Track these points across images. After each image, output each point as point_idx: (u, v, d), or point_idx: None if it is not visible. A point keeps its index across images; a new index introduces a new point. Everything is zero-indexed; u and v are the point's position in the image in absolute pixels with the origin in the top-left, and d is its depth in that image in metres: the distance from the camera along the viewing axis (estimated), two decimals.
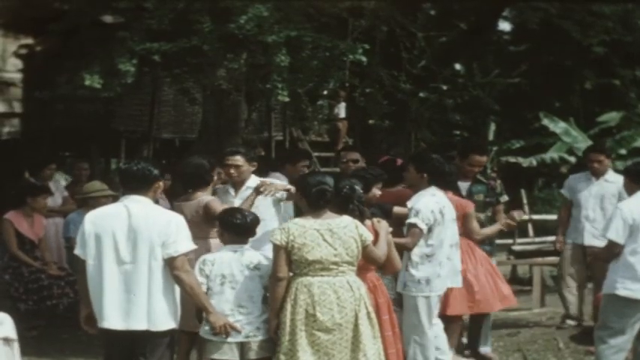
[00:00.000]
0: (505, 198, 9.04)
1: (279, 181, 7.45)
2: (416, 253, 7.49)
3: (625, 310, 7.23)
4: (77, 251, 5.96)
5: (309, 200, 6.14)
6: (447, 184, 7.96)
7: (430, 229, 7.47)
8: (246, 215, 6.50)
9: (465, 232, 8.16)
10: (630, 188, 7.50)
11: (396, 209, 8.02)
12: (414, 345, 7.45)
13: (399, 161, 8.95)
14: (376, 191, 7.63)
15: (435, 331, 7.61)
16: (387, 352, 6.37)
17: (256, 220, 6.57)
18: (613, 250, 7.30)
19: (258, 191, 7.32)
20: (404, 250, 7.43)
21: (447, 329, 7.94)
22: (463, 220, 8.10)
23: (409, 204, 7.59)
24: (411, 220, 7.44)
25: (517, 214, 8.64)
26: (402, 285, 7.53)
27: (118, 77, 9.65)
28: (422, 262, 7.50)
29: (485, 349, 8.74)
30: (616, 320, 7.26)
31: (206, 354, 6.28)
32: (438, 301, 7.65)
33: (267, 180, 7.35)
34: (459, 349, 8.48)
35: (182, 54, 10.04)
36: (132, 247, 5.82)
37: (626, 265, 7.21)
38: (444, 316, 7.92)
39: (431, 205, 7.52)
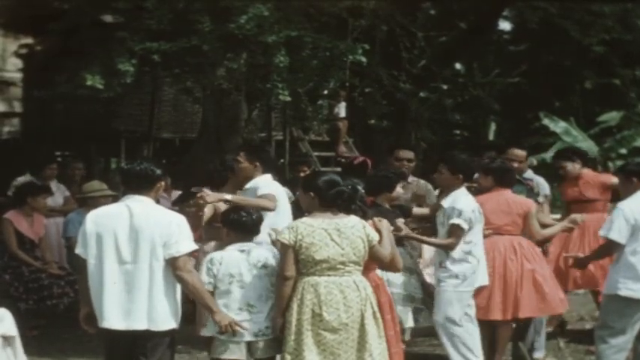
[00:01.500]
0: (542, 199, 8.99)
1: (212, 193, 7.31)
2: (456, 250, 7.55)
3: (626, 310, 7.21)
4: (78, 250, 5.94)
5: (326, 200, 6.12)
6: (508, 182, 8.01)
7: (470, 227, 7.56)
8: (250, 213, 6.49)
9: (527, 232, 8.12)
10: (630, 187, 7.41)
11: (416, 210, 8.08)
12: (451, 339, 7.52)
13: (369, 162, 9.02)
14: (399, 190, 7.79)
15: (471, 330, 7.66)
16: (389, 352, 6.37)
17: (260, 219, 6.57)
18: (613, 250, 7.26)
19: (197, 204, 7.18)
20: (446, 249, 7.55)
21: (498, 333, 8.00)
22: (524, 219, 8.02)
23: (445, 204, 7.62)
24: (455, 221, 7.48)
25: (579, 217, 8.59)
26: (436, 281, 7.60)
27: (118, 77, 9.66)
28: (460, 258, 7.57)
29: (538, 354, 8.65)
30: (617, 320, 7.24)
31: (214, 354, 6.27)
32: (471, 297, 7.69)
33: (205, 191, 7.26)
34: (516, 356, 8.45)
35: (182, 54, 10.05)
36: (133, 247, 5.81)
37: (628, 266, 7.16)
38: (491, 321, 7.96)
39: (471, 204, 7.63)
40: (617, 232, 7.16)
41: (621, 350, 7.29)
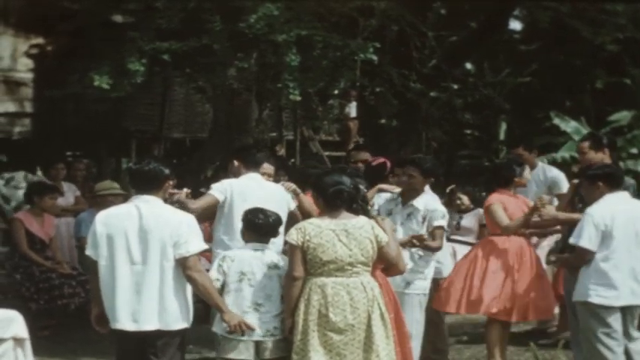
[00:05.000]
0: None
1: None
2: (427, 252, 7.61)
3: (596, 317, 6.95)
4: (88, 252, 5.94)
5: (326, 200, 6.12)
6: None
7: None
8: (268, 215, 6.48)
9: None
10: (596, 192, 7.14)
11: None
12: (416, 341, 7.50)
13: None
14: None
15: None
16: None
17: (279, 221, 6.56)
18: (584, 258, 7.02)
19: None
20: (435, 251, 7.59)
21: None
22: None
23: (418, 205, 7.58)
24: (441, 222, 7.53)
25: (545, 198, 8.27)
26: (405, 284, 7.52)
27: (128, 77, 9.67)
28: (431, 260, 7.66)
29: None
30: (595, 324, 7.06)
31: (221, 353, 6.27)
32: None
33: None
34: None
35: (192, 53, 10.07)
36: (143, 248, 5.81)
37: (599, 272, 6.94)
38: None
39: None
40: (587, 240, 6.94)
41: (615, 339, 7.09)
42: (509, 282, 7.87)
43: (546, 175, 9.89)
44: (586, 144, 8.39)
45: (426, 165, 7.70)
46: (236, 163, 7.74)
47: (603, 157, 8.16)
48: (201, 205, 7.32)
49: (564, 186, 9.45)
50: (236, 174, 7.70)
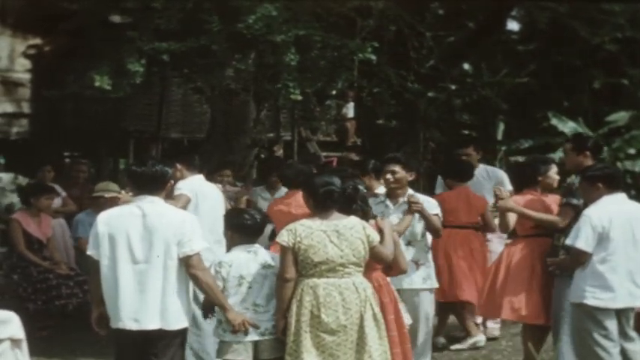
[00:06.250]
0: None
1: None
2: (428, 250, 7.73)
3: (592, 320, 6.91)
4: (90, 252, 5.94)
5: (317, 201, 6.12)
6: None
7: None
8: (254, 215, 6.48)
9: None
10: (595, 194, 7.05)
11: None
12: (426, 337, 7.67)
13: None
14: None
15: None
16: (391, 352, 6.33)
17: (265, 220, 6.56)
18: (580, 260, 6.97)
19: None
20: (436, 235, 7.74)
21: None
22: None
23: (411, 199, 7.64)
24: (435, 211, 7.64)
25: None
26: (422, 280, 7.64)
27: (127, 77, 9.67)
28: (430, 257, 7.77)
29: None
30: (592, 325, 7.03)
31: (219, 355, 6.26)
32: None
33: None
34: None
35: (191, 54, 10.07)
36: (147, 247, 5.82)
37: (595, 274, 6.91)
38: None
39: None
40: (584, 241, 6.89)
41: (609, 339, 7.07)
42: (499, 283, 7.96)
43: (489, 174, 10.15)
44: (569, 145, 8.24)
45: (405, 160, 7.79)
46: (179, 166, 8.13)
47: (584, 160, 7.91)
48: (182, 204, 7.68)
49: (508, 184, 9.54)
50: (179, 178, 8.08)
